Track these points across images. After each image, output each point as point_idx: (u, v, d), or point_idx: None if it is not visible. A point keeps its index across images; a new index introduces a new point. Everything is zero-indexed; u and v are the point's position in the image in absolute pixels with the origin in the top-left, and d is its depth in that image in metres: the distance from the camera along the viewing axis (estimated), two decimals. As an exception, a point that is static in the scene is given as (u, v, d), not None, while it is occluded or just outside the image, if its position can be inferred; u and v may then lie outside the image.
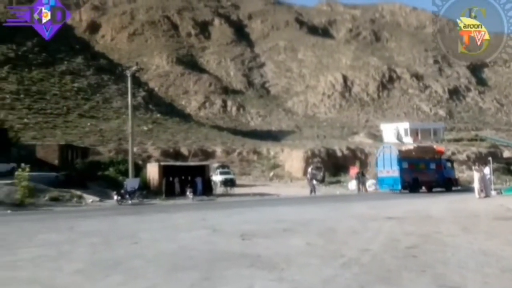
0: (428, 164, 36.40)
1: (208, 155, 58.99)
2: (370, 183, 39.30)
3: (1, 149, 33.61)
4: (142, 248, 10.32)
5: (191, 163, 44.18)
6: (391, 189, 34.22)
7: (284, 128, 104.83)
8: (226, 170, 45.43)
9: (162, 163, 37.11)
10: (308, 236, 11.56)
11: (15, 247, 10.78)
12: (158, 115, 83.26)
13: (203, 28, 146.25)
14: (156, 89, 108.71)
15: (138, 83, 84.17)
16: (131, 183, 28.63)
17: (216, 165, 47.54)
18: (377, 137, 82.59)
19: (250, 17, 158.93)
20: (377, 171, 37.27)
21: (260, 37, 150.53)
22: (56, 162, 40.06)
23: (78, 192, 27.21)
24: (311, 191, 34.85)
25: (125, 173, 33.47)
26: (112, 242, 11.34)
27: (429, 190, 35.85)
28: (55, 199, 25.63)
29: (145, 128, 69.99)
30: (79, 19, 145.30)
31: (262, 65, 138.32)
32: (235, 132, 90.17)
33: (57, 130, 60.69)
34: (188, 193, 30.67)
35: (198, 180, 33.72)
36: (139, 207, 23.85)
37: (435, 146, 45.11)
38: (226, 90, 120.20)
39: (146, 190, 30.96)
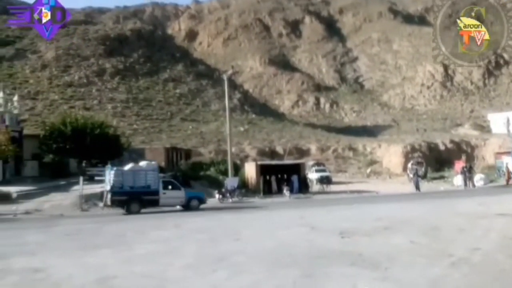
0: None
1: (303, 153, 59.08)
2: (478, 178, 36.35)
3: (115, 154, 36.84)
4: (244, 245, 10.73)
5: (287, 161, 44.56)
6: None
7: (380, 122, 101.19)
8: (321, 167, 45.10)
9: (259, 162, 37.95)
10: (411, 234, 11.13)
11: (132, 243, 11.80)
12: (253, 115, 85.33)
13: (294, 27, 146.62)
14: (250, 90, 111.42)
15: (233, 85, 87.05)
16: (231, 182, 29.73)
17: (311, 163, 47.41)
18: (483, 128, 76.19)
19: (341, 11, 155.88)
20: None
21: (352, 31, 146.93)
22: (163, 164, 43.01)
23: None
24: (416, 187, 33.20)
25: (224, 173, 34.78)
26: (217, 239, 11.92)
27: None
28: (163, 199, 27.37)
29: (241, 128, 72.18)
30: (178, 28, 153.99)
31: (355, 59, 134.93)
32: (329, 129, 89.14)
33: (163, 134, 65.06)
34: (285, 191, 31.03)
35: (294, 178, 33.93)
36: (239, 205, 24.72)
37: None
38: (319, 87, 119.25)
39: (245, 189, 31.92)
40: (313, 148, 61.61)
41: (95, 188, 25.45)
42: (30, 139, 36.66)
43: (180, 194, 22.44)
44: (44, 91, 72.99)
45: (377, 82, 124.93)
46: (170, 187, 22.46)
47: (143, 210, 21.51)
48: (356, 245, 9.81)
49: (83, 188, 24.08)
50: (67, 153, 34.60)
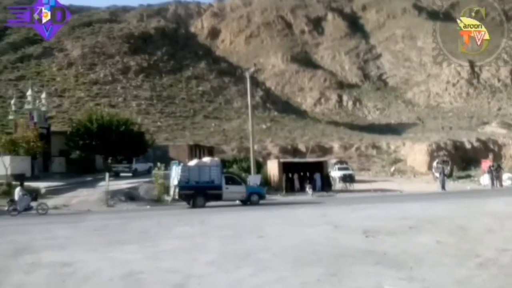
0: None
1: (326, 151, 58.80)
2: (506, 177, 35.50)
3: (140, 150, 37.44)
4: (268, 242, 10.77)
5: (309, 159, 44.44)
6: None
7: (404, 120, 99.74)
8: (344, 165, 44.83)
9: (281, 160, 37.98)
10: (437, 234, 10.97)
11: (157, 239, 11.97)
12: (275, 113, 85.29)
13: (317, 24, 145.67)
14: (272, 88, 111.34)
15: (256, 83, 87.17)
16: (253, 179, 29.82)
17: (334, 161, 47.17)
18: (511, 126, 74.29)
19: (364, 8, 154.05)
20: None
21: (376, 28, 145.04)
22: (186, 160, 43.41)
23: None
24: (442, 187, 32.66)
25: (247, 170, 34.91)
26: (240, 235, 12.00)
27: None
28: (186, 195, 27.67)
29: (264, 126, 72.25)
30: (201, 26, 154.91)
31: (378, 56, 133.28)
32: (352, 127, 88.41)
33: (186, 131, 65.72)
34: (307, 189, 30.98)
35: (317, 176, 33.86)
36: (262, 202, 24.78)
37: None
38: (342, 85, 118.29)
39: (267, 186, 31.98)
40: (336, 146, 61.22)
41: (120, 184, 25.98)
42: (58, 136, 37.54)
43: (241, 189, 23.66)
44: (71, 88, 74.61)
45: (401, 79, 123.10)
46: (231, 182, 23.66)
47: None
48: (380, 244, 9.74)
49: (109, 184, 24.57)
50: (93, 150, 35.33)
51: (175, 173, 23.22)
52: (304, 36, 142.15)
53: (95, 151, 35.64)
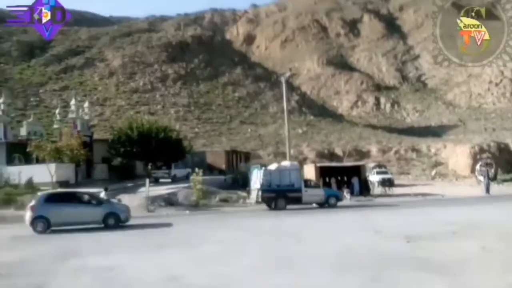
0: None
1: (363, 154, 57.89)
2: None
3: (178, 156, 38.09)
4: (308, 247, 10.75)
5: (347, 163, 43.85)
6: None
7: (445, 122, 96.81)
8: (383, 169, 43.89)
9: (318, 164, 37.67)
10: (482, 239, 10.61)
11: (198, 243, 12.18)
12: (311, 117, 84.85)
13: (352, 26, 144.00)
14: (308, 92, 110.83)
15: (291, 87, 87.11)
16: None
17: (372, 164, 46.31)
18: (562, 127, 70.79)
19: (401, 8, 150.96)
20: None
21: (413, 28, 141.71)
22: (223, 166, 43.93)
23: (244, 194, 29.25)
24: (486, 190, 31.48)
25: (284, 175, 34.77)
26: (279, 240, 12.01)
27: None
28: (224, 200, 28.01)
29: (300, 130, 72.01)
30: (237, 33, 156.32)
31: (416, 57, 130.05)
32: (390, 130, 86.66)
33: (223, 137, 66.40)
34: (345, 193, 30.53)
35: (355, 180, 33.35)
36: (299, 207, 24.66)
37: None
38: (379, 87, 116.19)
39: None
40: (374, 149, 60.19)
41: (160, 190, 26.47)
42: (100, 144, 38.70)
43: (320, 192, 24.29)
44: (112, 97, 76.97)
45: (441, 80, 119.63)
46: (310, 185, 24.38)
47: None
48: (422, 250, 9.54)
49: (149, 189, 25.13)
50: (133, 156, 36.19)
51: (256, 177, 24.20)
52: (340, 39, 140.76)
53: (136, 157, 36.50)
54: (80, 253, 10.83)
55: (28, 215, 16.24)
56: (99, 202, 17.68)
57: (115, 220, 16.87)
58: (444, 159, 55.34)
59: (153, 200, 25.00)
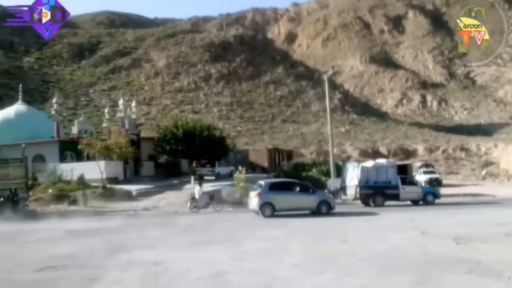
0: None
1: (409, 154, 56.46)
2: None
3: (222, 154, 38.56)
4: (352, 247, 10.61)
5: (392, 163, 42.83)
6: None
7: (495, 120, 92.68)
8: (430, 169, 42.58)
9: (362, 163, 37.00)
10: (538, 243, 10.16)
11: (241, 240, 12.30)
12: (355, 115, 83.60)
13: (397, 23, 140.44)
14: (351, 90, 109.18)
15: (334, 86, 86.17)
16: (334, 183, 29.39)
17: (419, 164, 45.06)
18: None
19: (447, 3, 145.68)
20: None
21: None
22: (265, 164, 44.06)
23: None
24: None
25: (326, 174, 34.49)
26: (323, 240, 11.95)
27: None
28: (267, 198, 28.03)
29: (342, 129, 71.12)
30: (278, 32, 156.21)
31: (465, 53, 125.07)
32: (437, 128, 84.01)
33: (265, 136, 66.65)
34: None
35: (401, 180, 32.58)
36: (343, 207, 24.38)
37: None
38: (425, 85, 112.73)
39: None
40: (420, 148, 58.59)
41: (204, 187, 26.84)
42: (147, 142, 39.75)
43: (417, 189, 24.36)
44: (157, 96, 78.99)
45: (490, 77, 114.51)
46: (408, 183, 24.48)
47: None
48: (473, 252, 9.21)
49: (194, 187, 25.61)
50: (179, 154, 36.97)
51: (353, 174, 24.64)
52: (384, 36, 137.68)
53: (181, 155, 37.28)
54: (128, 248, 11.17)
55: (255, 201, 18.48)
56: (313, 191, 19.69)
57: (327, 208, 18.70)
58: (495, 159, 53.12)
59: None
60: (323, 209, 18.70)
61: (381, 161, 26.35)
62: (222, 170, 36.71)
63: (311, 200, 18.83)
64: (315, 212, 18.57)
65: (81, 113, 55.06)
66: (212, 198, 23.00)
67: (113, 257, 9.91)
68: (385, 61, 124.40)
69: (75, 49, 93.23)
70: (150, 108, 73.91)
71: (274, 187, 18.87)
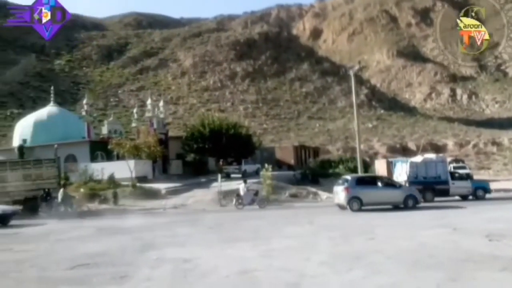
0: None
1: (439, 149, 55.30)
2: None
3: (248, 152, 38.70)
4: (380, 244, 10.50)
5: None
6: None
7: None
8: (460, 164, 41.64)
9: (390, 160, 36.51)
10: None
11: (268, 237, 12.31)
12: (382, 111, 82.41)
13: (424, 15, 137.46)
14: (378, 85, 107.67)
15: (360, 81, 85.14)
16: (360, 180, 29.01)
17: (448, 159, 44.07)
18: None
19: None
20: None
21: (491, 15, 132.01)
22: (292, 161, 43.95)
23: (313, 189, 29.12)
24: None
25: (354, 170, 34.07)
26: (351, 237, 11.85)
27: None
28: (294, 196, 28.01)
29: (369, 125, 70.23)
30: (303, 28, 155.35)
31: (495, 45, 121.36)
32: (467, 122, 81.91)
33: (291, 133, 66.49)
34: (420, 190, 29.39)
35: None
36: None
37: None
38: (454, 78, 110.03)
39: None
40: (450, 143, 57.32)
41: (231, 185, 27.03)
42: (174, 141, 40.29)
43: (467, 185, 24.13)
44: (184, 96, 79.89)
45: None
46: (457, 178, 24.35)
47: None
48: (506, 249, 8.99)
49: (221, 184, 25.81)
50: (206, 152, 37.33)
51: (401, 170, 24.46)
52: (411, 29, 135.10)
53: (208, 153, 37.62)
54: (157, 245, 11.37)
55: (342, 196, 18.85)
56: (399, 185, 19.93)
57: (413, 202, 18.89)
58: (529, 153, 51.48)
59: (225, 195, 25.59)
60: (410, 203, 18.76)
61: (431, 156, 26.00)
62: (249, 167, 36.82)
63: (397, 194, 19.05)
64: (400, 207, 18.65)
65: (110, 113, 56.22)
66: (257, 195, 23.23)
67: (143, 254, 10.06)
68: (413, 54, 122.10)
69: (104, 51, 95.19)
70: (177, 107, 74.82)
71: (360, 182, 19.23)
